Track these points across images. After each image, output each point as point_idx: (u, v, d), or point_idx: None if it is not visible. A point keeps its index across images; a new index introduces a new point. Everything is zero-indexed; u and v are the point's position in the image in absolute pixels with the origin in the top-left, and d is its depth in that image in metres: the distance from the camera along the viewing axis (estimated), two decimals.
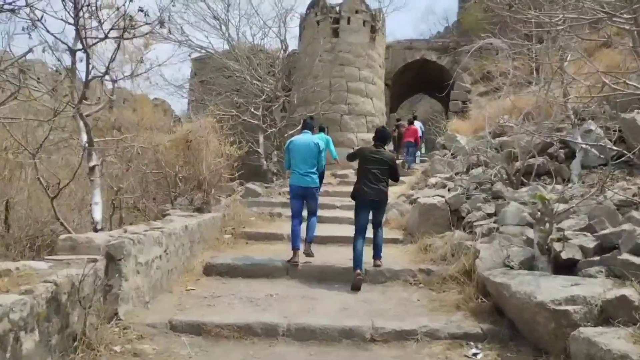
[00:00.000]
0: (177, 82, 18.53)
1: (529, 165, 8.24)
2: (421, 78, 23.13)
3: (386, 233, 7.72)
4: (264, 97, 15.18)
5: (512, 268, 4.46)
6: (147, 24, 6.23)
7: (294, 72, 17.64)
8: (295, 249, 5.79)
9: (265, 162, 14.88)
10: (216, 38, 21.99)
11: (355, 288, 5.18)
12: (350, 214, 6.61)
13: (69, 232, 5.69)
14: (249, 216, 8.30)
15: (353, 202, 5.88)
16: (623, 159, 7.94)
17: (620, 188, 6.79)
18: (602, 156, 8.06)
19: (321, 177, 6.47)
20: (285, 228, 7.85)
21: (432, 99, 29.52)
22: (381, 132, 6.08)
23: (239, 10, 17.97)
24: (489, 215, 7.02)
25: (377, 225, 5.89)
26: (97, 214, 6.21)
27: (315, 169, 6.04)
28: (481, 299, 4.50)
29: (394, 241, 7.20)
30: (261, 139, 15.23)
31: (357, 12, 16.79)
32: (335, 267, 5.54)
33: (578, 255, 4.29)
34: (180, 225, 5.30)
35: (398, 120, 20.96)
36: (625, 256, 3.81)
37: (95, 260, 3.69)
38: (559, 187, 7.49)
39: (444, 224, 7.23)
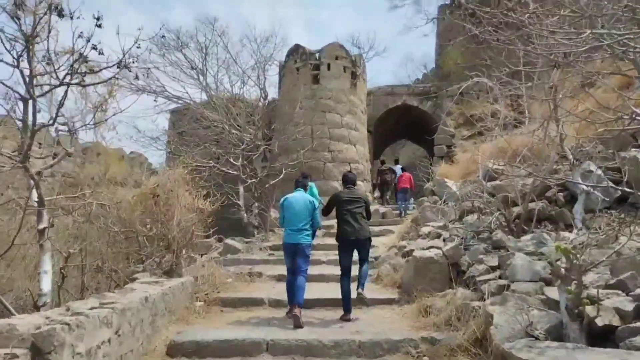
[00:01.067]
0: (154, 134, 17.81)
1: (529, 210, 7.63)
2: (403, 123, 22.92)
3: (380, 292, 6.95)
4: (243, 146, 14.56)
5: (537, 338, 3.70)
6: (106, 67, 5.59)
7: (275, 120, 17.17)
8: (291, 304, 5.73)
9: (245, 215, 14.08)
10: (194, 88, 21.39)
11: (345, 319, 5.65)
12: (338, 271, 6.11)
13: (9, 311, 4.80)
14: (226, 277, 7.44)
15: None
16: (629, 201, 7.42)
17: (634, 234, 6.18)
18: (607, 199, 7.50)
19: (313, 233, 6.34)
20: (265, 290, 7.03)
21: (415, 145, 29.37)
22: (347, 175, 6.61)
23: (217, 60, 17.49)
24: (493, 269, 6.30)
25: (363, 262, 6.08)
26: (46, 284, 5.35)
27: (309, 226, 6.07)
28: None
29: (389, 302, 6.39)
30: (241, 190, 14.49)
31: (337, 58, 16.57)
32: (324, 340, 4.69)
33: (615, 321, 3.57)
34: (139, 298, 4.45)
35: (382, 162, 20.55)
36: None
37: (14, 357, 2.85)
38: (567, 234, 6.86)
39: (443, 279, 6.48)
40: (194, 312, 5.69)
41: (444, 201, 10.75)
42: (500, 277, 5.82)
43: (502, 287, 5.10)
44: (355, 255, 6.05)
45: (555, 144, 7.99)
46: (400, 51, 62.07)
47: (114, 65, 5.45)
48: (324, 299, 6.43)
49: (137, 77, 6.33)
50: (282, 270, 8.49)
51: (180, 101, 17.70)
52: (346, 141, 16.17)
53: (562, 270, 3.86)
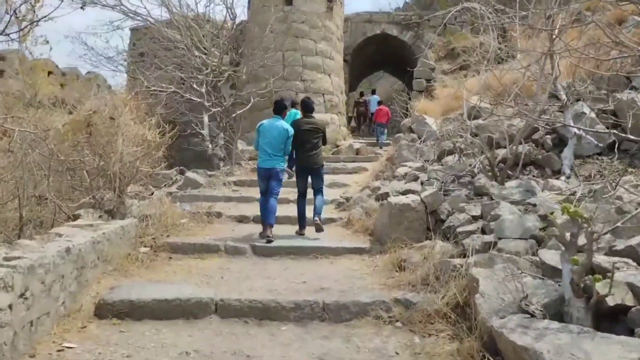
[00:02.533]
0: (108, 54, 16.18)
1: (515, 155, 7.00)
2: (382, 54, 21.75)
3: (350, 239, 6.33)
4: (206, 71, 13.33)
5: (532, 315, 3.11)
6: None
7: (243, 45, 15.81)
8: (265, 224, 6.14)
9: (210, 146, 13.14)
10: (154, 4, 19.22)
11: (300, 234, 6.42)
12: None
13: None
14: (180, 217, 6.68)
15: None
16: (620, 147, 6.83)
17: (628, 184, 5.62)
18: (600, 144, 6.90)
19: (290, 157, 6.78)
20: (223, 233, 6.33)
21: (393, 77, 28.29)
22: (306, 102, 6.93)
23: None
24: (475, 218, 5.71)
25: (316, 192, 6.58)
26: None
27: (281, 153, 6.40)
28: (488, 359, 3.14)
29: (359, 251, 5.77)
30: (205, 119, 13.44)
31: None
32: (282, 301, 4.04)
33: (629, 300, 2.98)
34: (57, 250, 3.65)
35: (361, 94, 19.97)
36: None
37: None
38: (556, 182, 6.27)
39: (420, 228, 5.88)
40: (136, 261, 4.94)
41: (423, 140, 10.06)
42: (483, 231, 5.23)
43: (487, 245, 4.50)
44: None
45: (549, 81, 7.24)
46: None
47: None
48: (288, 247, 5.79)
49: None
50: (245, 209, 7.81)
51: (137, 17, 16.01)
52: (320, 70, 15.04)
53: (568, 236, 3.21)
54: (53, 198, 6.16)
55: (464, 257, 4.70)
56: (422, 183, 7.35)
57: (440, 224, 5.96)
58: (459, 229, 5.42)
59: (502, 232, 4.54)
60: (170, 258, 5.29)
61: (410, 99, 15.99)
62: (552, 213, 4.77)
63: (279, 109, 6.57)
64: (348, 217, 7.08)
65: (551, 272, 3.61)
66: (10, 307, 3.01)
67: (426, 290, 4.28)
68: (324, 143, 6.74)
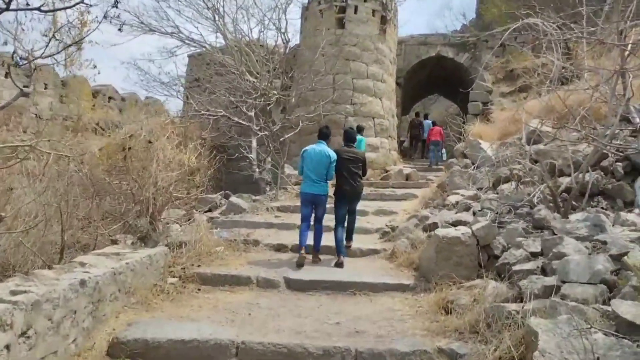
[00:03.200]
0: (164, 79, 16.61)
1: (581, 184, 6.28)
2: (436, 77, 21.14)
3: (393, 273, 5.83)
4: (255, 94, 13.30)
5: None
6: None
7: (295, 69, 15.76)
8: (301, 248, 6.20)
9: (257, 170, 13.00)
10: (210, 31, 19.64)
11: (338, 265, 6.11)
12: None
13: None
14: (215, 245, 6.42)
15: None
16: None
17: None
18: None
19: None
20: (258, 263, 6.00)
21: (448, 101, 27.51)
22: (348, 132, 7.03)
23: (236, 1, 15.90)
24: (534, 255, 5.08)
25: (351, 213, 6.80)
26: None
27: (325, 179, 6.47)
28: None
29: (402, 288, 5.26)
30: (254, 143, 13.35)
31: (365, 0, 14.86)
32: (310, 347, 3.61)
33: None
34: (69, 283, 3.43)
35: (417, 115, 19.82)
36: None
37: None
38: (629, 215, 5.53)
39: (471, 264, 5.31)
40: (162, 293, 4.68)
41: (477, 166, 9.42)
42: (543, 270, 4.61)
43: (549, 289, 3.88)
44: None
45: (620, 103, 6.51)
46: None
47: None
48: (324, 280, 5.37)
49: (115, 5, 5.06)
50: (285, 237, 7.47)
51: (194, 44, 16.39)
52: (371, 93, 14.68)
53: None
54: (94, 222, 6.08)
55: (521, 301, 4.12)
56: (474, 213, 6.75)
57: (493, 260, 5.37)
58: (515, 267, 4.83)
59: (566, 275, 3.93)
60: (199, 290, 5.00)
61: (464, 122, 15.29)
62: (626, 253, 4.13)
63: (324, 136, 6.65)
64: (392, 249, 6.58)
65: (627, 328, 3.00)
66: (7, 347, 2.78)
67: (475, 339, 3.74)
68: (364, 174, 6.85)
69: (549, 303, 3.58)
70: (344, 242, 6.58)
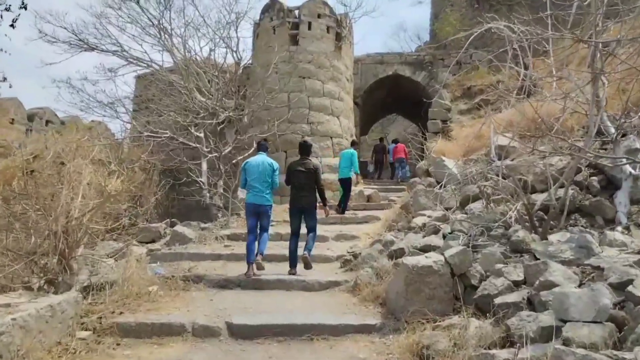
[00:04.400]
0: (106, 100, 15.41)
1: (557, 199, 5.70)
2: (394, 96, 20.82)
3: (357, 310, 5.01)
4: (202, 114, 12.43)
5: None
6: None
7: (247, 87, 14.99)
8: (249, 263, 6.22)
9: (208, 195, 12.03)
10: (158, 51, 18.42)
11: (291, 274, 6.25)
12: None
13: None
14: (149, 283, 5.45)
15: None
16: None
17: None
18: None
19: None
20: (197, 306, 5.07)
21: (406, 121, 27.33)
22: (302, 145, 6.92)
23: (183, 16, 15.04)
24: (516, 284, 4.41)
25: (310, 231, 6.67)
26: None
27: (270, 189, 6.57)
28: None
29: (368, 329, 4.43)
30: (204, 167, 12.43)
31: (319, 16, 14.31)
32: None
33: None
34: None
35: (381, 140, 19.68)
36: None
37: None
38: (615, 234, 4.95)
39: (446, 297, 4.57)
40: (66, 353, 3.69)
41: (442, 185, 8.82)
42: (530, 302, 3.93)
43: (547, 331, 3.16)
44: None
45: (595, 113, 6.02)
46: (392, 18, 56.94)
47: None
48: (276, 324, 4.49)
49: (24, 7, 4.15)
50: (232, 270, 6.57)
51: (140, 63, 15.38)
52: (328, 112, 14.04)
53: None
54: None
55: (511, 345, 3.39)
56: (444, 236, 6.06)
57: (470, 291, 4.65)
58: (497, 300, 4.11)
59: (565, 312, 3.21)
60: (118, 345, 4.01)
61: (425, 140, 14.85)
62: (630, 282, 3.49)
63: (263, 148, 6.96)
64: (355, 280, 5.78)
65: None
66: None
67: None
68: (318, 184, 6.70)
69: (551, 351, 2.85)
70: (297, 254, 6.51)
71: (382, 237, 7.46)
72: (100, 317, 4.25)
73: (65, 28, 13.96)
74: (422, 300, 4.51)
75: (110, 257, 5.89)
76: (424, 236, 6.38)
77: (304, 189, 6.52)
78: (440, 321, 4.21)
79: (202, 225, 10.07)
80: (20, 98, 16.63)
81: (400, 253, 5.98)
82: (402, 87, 19.84)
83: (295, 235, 6.62)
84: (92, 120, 20.23)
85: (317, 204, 6.76)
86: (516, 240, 5.13)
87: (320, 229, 9.17)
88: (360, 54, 19.06)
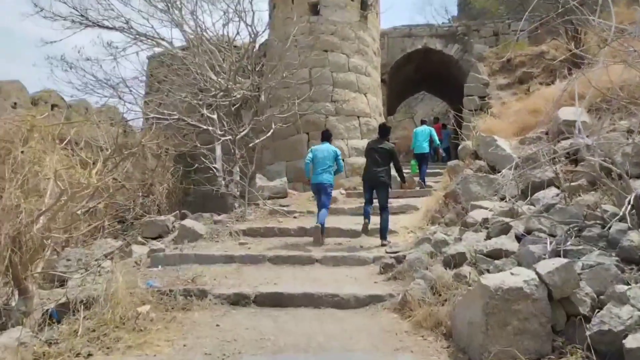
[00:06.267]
0: (113, 81, 14.12)
1: None
2: (423, 72, 19.24)
3: (409, 342, 3.70)
4: (213, 92, 11.16)
5: None
6: None
7: (265, 63, 13.63)
8: (319, 224, 6.93)
9: (223, 183, 10.79)
10: (165, 27, 16.98)
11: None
12: None
13: None
14: (141, 300, 4.25)
15: None
16: None
17: None
18: None
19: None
20: (199, 334, 3.84)
21: (434, 99, 25.71)
22: (380, 127, 7.76)
23: None
24: None
25: (381, 209, 6.95)
26: None
27: (331, 169, 7.42)
28: None
29: None
30: (218, 151, 11.16)
31: None
32: None
33: None
34: None
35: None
36: None
37: None
38: None
39: (542, 332, 3.23)
40: None
41: (494, 169, 7.39)
42: None
43: None
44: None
45: None
46: None
47: None
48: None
49: None
50: (248, 279, 5.29)
51: (148, 41, 14.12)
52: (354, 89, 12.59)
53: None
54: None
55: None
56: (517, 238, 4.70)
57: (575, 321, 3.29)
58: (629, 343, 2.77)
59: None
60: None
61: (462, 119, 13.32)
62: None
63: (327, 136, 7.82)
64: (403, 295, 4.45)
65: None
66: None
67: None
68: (396, 165, 7.27)
69: None
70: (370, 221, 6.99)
71: (429, 233, 6.12)
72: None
73: (64, 2, 12.73)
74: (509, 336, 3.20)
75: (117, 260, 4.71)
76: (488, 236, 5.02)
77: (377, 166, 6.95)
78: None
79: (216, 218, 8.86)
80: (24, 82, 15.55)
81: (461, 259, 4.64)
82: (432, 62, 18.25)
83: (368, 204, 7.11)
84: (103, 105, 19.16)
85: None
86: (628, 246, 3.74)
87: (350, 221, 7.93)
88: (386, 26, 17.53)
